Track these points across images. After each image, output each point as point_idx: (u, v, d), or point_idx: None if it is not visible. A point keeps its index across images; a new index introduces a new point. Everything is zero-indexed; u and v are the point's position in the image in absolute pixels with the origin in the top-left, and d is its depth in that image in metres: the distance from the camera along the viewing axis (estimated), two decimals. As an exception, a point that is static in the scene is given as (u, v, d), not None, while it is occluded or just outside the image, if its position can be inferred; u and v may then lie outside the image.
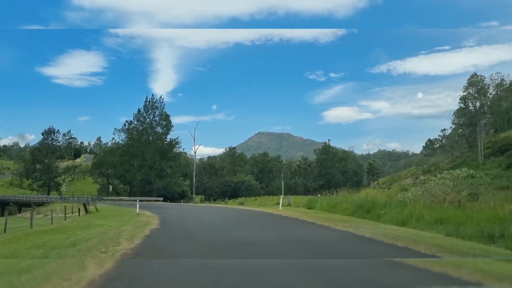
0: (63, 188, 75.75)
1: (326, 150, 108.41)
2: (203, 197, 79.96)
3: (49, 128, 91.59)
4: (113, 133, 73.28)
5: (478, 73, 77.16)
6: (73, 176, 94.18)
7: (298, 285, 3.28)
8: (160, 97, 74.75)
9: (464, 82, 73.94)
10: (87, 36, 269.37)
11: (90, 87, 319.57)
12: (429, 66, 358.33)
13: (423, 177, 18.04)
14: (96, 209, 30.72)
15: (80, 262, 6.06)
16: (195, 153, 72.10)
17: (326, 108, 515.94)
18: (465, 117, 79.10)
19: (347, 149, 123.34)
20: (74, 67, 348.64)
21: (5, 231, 18.99)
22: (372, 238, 9.69)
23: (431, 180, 18.00)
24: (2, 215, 41.52)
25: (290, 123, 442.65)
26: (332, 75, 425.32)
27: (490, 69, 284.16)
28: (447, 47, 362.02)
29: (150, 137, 70.82)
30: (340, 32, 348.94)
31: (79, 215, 28.40)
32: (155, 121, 71.12)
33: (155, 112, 70.88)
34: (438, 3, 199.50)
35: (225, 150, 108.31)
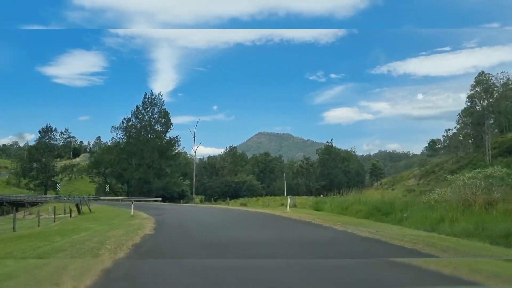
0: (58, 188, 73.52)
1: (329, 150, 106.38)
2: (203, 197, 77.99)
3: (46, 126, 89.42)
4: (111, 131, 71.30)
5: (479, 72, 75.34)
6: (70, 175, 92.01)
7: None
8: (159, 93, 72.57)
9: (464, 83, 72.41)
10: (87, 35, 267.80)
11: (90, 86, 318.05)
12: (429, 67, 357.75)
13: (450, 177, 16.01)
14: (90, 210, 28.88)
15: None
16: (195, 152, 69.98)
17: (326, 108, 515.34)
18: (472, 116, 77.16)
19: (349, 149, 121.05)
20: (75, 67, 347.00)
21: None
22: (415, 249, 7.82)
23: (459, 180, 16.02)
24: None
25: (290, 124, 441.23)
26: (333, 75, 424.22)
27: (490, 71, 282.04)
28: (447, 48, 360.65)
29: (149, 135, 68.55)
30: (341, 32, 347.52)
31: (70, 216, 26.55)
32: (154, 118, 68.79)
33: (154, 109, 68.64)
34: (439, 4, 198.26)
35: (226, 150, 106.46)
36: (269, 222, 15.20)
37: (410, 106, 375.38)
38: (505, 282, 2.37)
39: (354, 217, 19.85)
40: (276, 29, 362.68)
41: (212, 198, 64.25)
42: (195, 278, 2.79)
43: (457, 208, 14.01)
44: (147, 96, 68.94)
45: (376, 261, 4.23)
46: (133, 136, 68.36)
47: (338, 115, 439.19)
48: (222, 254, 7.16)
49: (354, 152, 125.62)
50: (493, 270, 2.75)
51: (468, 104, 77.27)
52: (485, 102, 73.51)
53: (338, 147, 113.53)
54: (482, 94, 74.24)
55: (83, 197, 42.81)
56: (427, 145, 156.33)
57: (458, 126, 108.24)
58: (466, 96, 77.77)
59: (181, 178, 70.70)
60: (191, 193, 68.79)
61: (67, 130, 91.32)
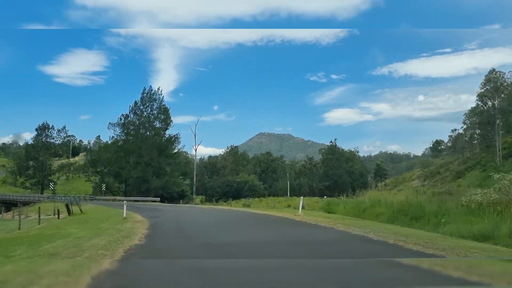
0: (52, 187, 71.03)
1: (333, 150, 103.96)
2: (203, 197, 75.61)
3: (43, 123, 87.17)
4: (108, 128, 68.06)
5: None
6: (68, 174, 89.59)
7: None
8: (158, 88, 69.42)
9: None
10: (89, 35, 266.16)
11: (91, 86, 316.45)
12: (430, 68, 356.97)
13: (497, 175, 13.57)
14: (81, 211, 26.53)
15: None
16: (195, 150, 67.10)
17: (327, 109, 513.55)
18: (481, 115, 74.67)
19: (352, 150, 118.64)
20: (76, 66, 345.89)
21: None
22: None
23: (506, 180, 13.61)
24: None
25: (291, 124, 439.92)
26: (333, 76, 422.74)
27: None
28: (448, 50, 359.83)
29: (147, 132, 65.69)
30: (342, 33, 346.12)
31: (58, 217, 24.19)
32: (153, 114, 65.86)
33: (153, 105, 65.64)
34: (440, 6, 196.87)
35: (227, 149, 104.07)
36: (286, 229, 12.78)
37: (411, 107, 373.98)
38: None
39: (376, 221, 17.52)
40: (277, 30, 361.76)
41: (214, 199, 61.66)
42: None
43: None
44: (146, 91, 66.05)
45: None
46: (131, 133, 65.47)
47: (339, 116, 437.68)
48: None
49: (358, 152, 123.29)
50: None
51: (478, 103, 74.75)
52: (496, 101, 70.98)
53: (341, 148, 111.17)
54: (493, 92, 71.69)
55: (76, 197, 40.48)
56: (430, 146, 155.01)
57: (465, 126, 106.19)
58: (476, 94, 75.23)
59: (181, 177, 67.83)
60: (192, 193, 66.25)
61: (64, 127, 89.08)
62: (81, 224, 17.19)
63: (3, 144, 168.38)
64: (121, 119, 65.74)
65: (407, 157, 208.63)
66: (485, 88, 72.27)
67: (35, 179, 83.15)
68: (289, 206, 33.01)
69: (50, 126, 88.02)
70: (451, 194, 29.85)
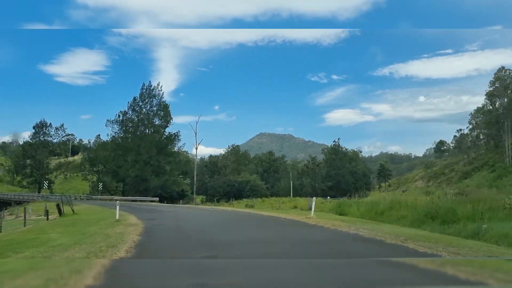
0: (45, 186, 69.06)
1: (336, 150, 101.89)
2: (204, 197, 73.66)
3: (40, 121, 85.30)
4: (106, 125, 64.93)
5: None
6: (66, 173, 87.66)
7: None
8: (158, 84, 66.57)
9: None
10: (90, 34, 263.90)
11: (92, 85, 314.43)
12: (431, 69, 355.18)
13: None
14: (73, 211, 24.62)
15: None
16: (196, 148, 64.86)
17: (328, 110, 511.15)
18: (490, 115, 72.64)
19: (355, 149, 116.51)
20: (77, 66, 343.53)
21: None
22: None
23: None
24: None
25: (292, 125, 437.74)
26: (334, 77, 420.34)
27: (492, 74, 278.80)
28: (449, 51, 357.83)
29: (147, 130, 63.22)
30: (343, 34, 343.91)
31: (47, 218, 22.29)
32: (152, 111, 63.20)
33: (152, 101, 63.06)
34: (441, 7, 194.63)
35: (228, 148, 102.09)
36: (304, 237, 10.80)
37: (411, 108, 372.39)
38: None
39: (398, 225, 15.63)
40: (278, 30, 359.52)
41: (215, 199, 59.60)
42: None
43: None
44: (145, 87, 63.29)
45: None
46: (130, 130, 63.05)
47: (340, 116, 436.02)
48: None
49: (361, 152, 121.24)
50: None
51: (487, 101, 72.69)
52: (505, 100, 68.91)
53: (345, 148, 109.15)
54: (502, 91, 69.63)
55: (68, 196, 38.66)
56: (432, 147, 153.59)
57: (470, 126, 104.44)
58: (485, 93, 73.13)
59: (181, 176, 65.60)
60: (192, 193, 64.22)
61: (62, 125, 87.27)
62: (68, 227, 15.30)
63: (3, 143, 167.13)
64: (119, 116, 63.45)
65: (408, 158, 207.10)
66: (494, 87, 70.22)
67: (32, 177, 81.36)
68: (295, 207, 31.11)
69: (48, 124, 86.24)
70: (465, 195, 27.87)
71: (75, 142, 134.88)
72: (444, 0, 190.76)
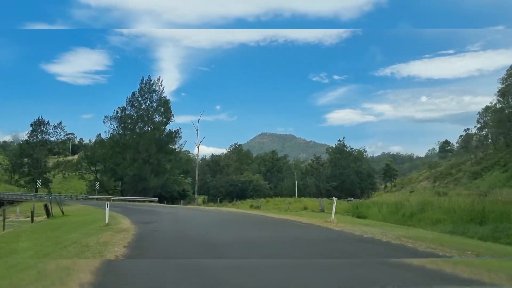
0: (39, 185, 66.71)
1: (341, 149, 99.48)
2: (206, 197, 71.27)
3: (38, 119, 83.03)
4: (104, 121, 62.10)
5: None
6: (64, 172, 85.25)
7: None
8: (158, 79, 63.23)
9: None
10: (92, 34, 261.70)
11: (94, 85, 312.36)
12: (433, 69, 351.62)
13: None
14: (62, 213, 22.33)
15: None
16: (198, 147, 62.25)
17: (329, 110, 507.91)
18: (501, 113, 70.12)
19: (360, 149, 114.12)
20: (78, 65, 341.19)
21: None
22: None
23: None
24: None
25: (293, 125, 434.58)
26: (336, 77, 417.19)
27: (495, 74, 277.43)
28: (451, 51, 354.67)
29: (146, 126, 60.27)
30: (345, 34, 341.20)
31: (32, 221, 20.00)
32: (152, 107, 60.17)
33: (152, 96, 59.93)
34: (442, 7, 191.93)
35: (230, 147, 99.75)
36: (338, 250, 8.40)
37: (413, 109, 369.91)
38: None
39: (436, 231, 13.27)
40: (280, 30, 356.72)
41: (218, 199, 57.14)
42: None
43: None
44: (144, 82, 60.15)
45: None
46: (129, 127, 60.28)
47: (341, 116, 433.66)
48: None
49: (366, 151, 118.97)
50: None
51: (499, 99, 70.10)
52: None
53: (351, 146, 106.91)
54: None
55: (59, 196, 36.53)
56: (435, 147, 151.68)
57: (478, 125, 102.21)
58: (497, 90, 70.54)
59: (182, 176, 63.01)
60: (193, 193, 61.76)
61: (60, 123, 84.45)
62: (47, 233, 13.01)
63: (4, 142, 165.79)
64: (117, 112, 60.51)
65: (410, 158, 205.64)
66: (506, 84, 67.71)
67: (29, 176, 79.20)
68: (305, 208, 28.74)
69: (46, 122, 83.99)
70: (486, 196, 25.47)
71: (76, 141, 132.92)
72: (445, 0, 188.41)
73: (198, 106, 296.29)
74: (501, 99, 69.40)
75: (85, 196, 53.37)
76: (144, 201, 43.54)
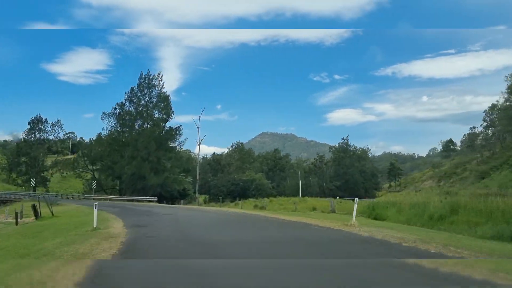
0: (32, 184, 64.86)
1: (345, 148, 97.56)
2: (207, 197, 69.42)
3: (36, 117, 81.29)
4: (101, 118, 59.45)
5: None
6: (62, 171, 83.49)
7: None
8: (159, 73, 60.28)
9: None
10: (93, 33, 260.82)
11: (95, 84, 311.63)
12: (434, 69, 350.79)
13: None
14: (52, 214, 20.49)
15: None
16: (199, 144, 60.20)
17: (330, 109, 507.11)
18: (510, 111, 68.14)
19: (364, 148, 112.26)
20: (79, 65, 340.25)
21: None
22: None
23: None
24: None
25: (294, 124, 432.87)
26: (337, 77, 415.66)
27: (496, 74, 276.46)
28: (452, 51, 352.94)
29: (145, 123, 58.02)
30: (346, 34, 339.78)
31: (16, 223, 18.16)
32: (151, 102, 57.67)
33: (151, 91, 57.27)
34: (444, 7, 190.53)
35: (231, 146, 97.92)
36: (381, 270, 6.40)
37: (414, 108, 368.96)
38: None
39: (475, 237, 11.41)
40: (281, 30, 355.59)
41: (220, 199, 55.26)
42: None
43: None
44: (143, 76, 57.33)
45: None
46: (127, 123, 57.97)
47: (342, 116, 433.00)
48: None
49: (370, 150, 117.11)
50: None
51: (510, 96, 68.06)
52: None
53: (355, 145, 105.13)
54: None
55: (48, 196, 34.85)
56: (438, 146, 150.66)
57: (485, 124, 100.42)
58: (506, 87, 68.52)
59: (182, 174, 60.96)
60: (194, 192, 59.79)
61: (59, 121, 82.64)
62: (24, 240, 11.15)
63: (5, 141, 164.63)
64: (115, 108, 58.05)
65: (411, 157, 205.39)
66: (514, 81, 65.69)
67: (27, 175, 77.54)
68: (314, 209, 26.87)
69: (44, 120, 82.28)
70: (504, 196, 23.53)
71: (76, 140, 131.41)
72: (447, 0, 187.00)
73: (199, 106, 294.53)
74: (508, 96, 67.41)
75: (83, 196, 51.51)
76: (142, 201, 41.69)
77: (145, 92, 57.46)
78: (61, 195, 55.49)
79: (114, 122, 58.26)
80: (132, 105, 57.96)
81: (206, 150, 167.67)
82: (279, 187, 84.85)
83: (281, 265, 6.20)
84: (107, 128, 59.97)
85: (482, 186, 65.55)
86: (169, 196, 53.81)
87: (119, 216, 18.15)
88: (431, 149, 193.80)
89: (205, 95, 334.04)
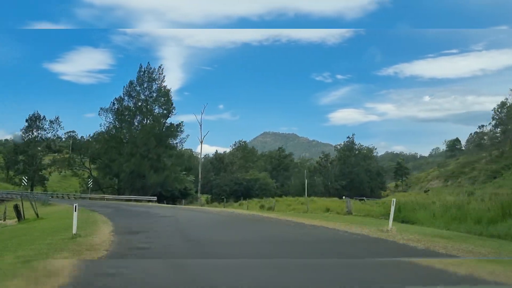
0: (24, 182, 62.72)
1: (350, 147, 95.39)
2: (209, 196, 67.20)
3: (33, 114, 79.41)
4: (99, 114, 56.59)
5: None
6: (60, 169, 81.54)
7: None
8: (160, 67, 58.06)
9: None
10: (95, 33, 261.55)
11: (97, 84, 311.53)
12: (436, 69, 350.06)
13: None
14: (37, 215, 18.19)
15: None
16: (201, 142, 57.84)
17: (332, 109, 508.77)
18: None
19: (369, 146, 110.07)
20: (82, 64, 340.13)
21: None
22: None
23: None
24: None
25: (296, 124, 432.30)
26: (339, 76, 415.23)
27: (498, 74, 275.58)
28: (455, 51, 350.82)
29: (145, 119, 55.54)
30: (348, 34, 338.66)
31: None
32: (151, 97, 55.04)
33: (151, 85, 54.61)
34: (446, 7, 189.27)
35: (234, 144, 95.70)
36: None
37: (416, 108, 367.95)
38: None
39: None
40: (283, 30, 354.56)
41: (224, 199, 52.97)
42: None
43: None
44: (143, 69, 54.63)
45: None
46: (126, 119, 55.47)
47: (344, 116, 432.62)
48: None
49: (376, 149, 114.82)
50: None
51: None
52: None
53: (361, 143, 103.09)
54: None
55: (32, 195, 32.72)
56: (442, 146, 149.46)
57: (494, 122, 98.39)
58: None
59: (184, 173, 58.51)
60: (196, 192, 57.38)
61: (57, 118, 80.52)
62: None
63: (6, 140, 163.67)
64: (113, 103, 55.26)
65: (413, 157, 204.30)
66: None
67: (24, 174, 75.61)
68: (328, 210, 24.52)
69: (42, 117, 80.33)
70: None
71: (77, 140, 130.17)
72: (449, 0, 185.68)
73: (201, 105, 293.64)
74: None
75: (79, 195, 49.27)
76: (141, 201, 39.34)
77: (144, 86, 54.98)
78: (57, 194, 53.26)
79: (112, 118, 55.84)
80: (131, 100, 55.51)
81: (208, 149, 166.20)
82: (284, 187, 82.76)
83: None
84: (105, 124, 57.52)
85: (496, 186, 63.37)
86: (169, 196, 51.45)
87: (111, 218, 15.87)
88: (433, 148, 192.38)
89: (207, 95, 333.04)
